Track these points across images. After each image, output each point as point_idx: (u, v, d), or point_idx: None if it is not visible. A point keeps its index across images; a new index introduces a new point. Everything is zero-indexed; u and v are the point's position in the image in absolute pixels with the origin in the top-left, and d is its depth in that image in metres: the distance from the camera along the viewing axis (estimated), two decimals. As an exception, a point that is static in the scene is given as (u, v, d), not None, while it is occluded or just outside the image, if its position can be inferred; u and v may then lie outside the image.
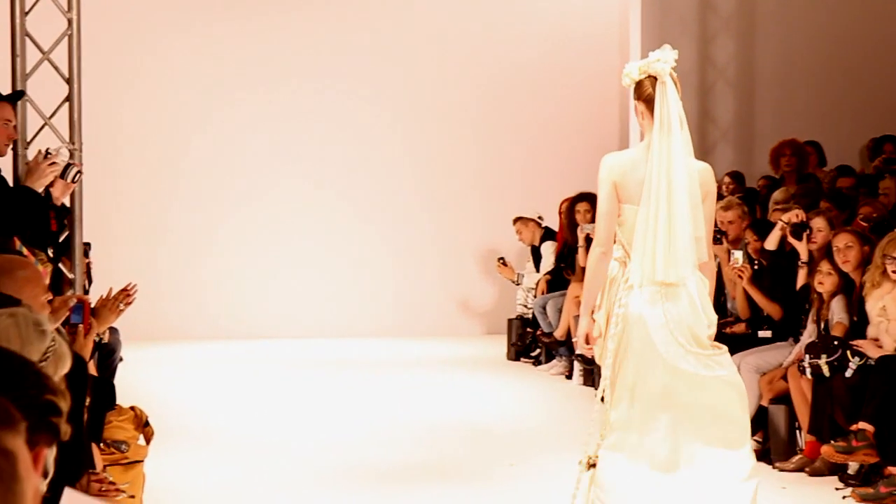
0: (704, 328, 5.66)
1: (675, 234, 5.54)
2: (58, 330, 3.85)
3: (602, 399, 5.76)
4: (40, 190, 6.05)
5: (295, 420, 9.83)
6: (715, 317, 5.77)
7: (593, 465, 5.67)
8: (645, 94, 5.69)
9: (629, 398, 5.63)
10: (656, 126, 5.60)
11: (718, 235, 9.34)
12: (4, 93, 6.16)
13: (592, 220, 11.70)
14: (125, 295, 6.04)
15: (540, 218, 13.39)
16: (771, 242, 8.91)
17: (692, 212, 5.57)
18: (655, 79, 5.67)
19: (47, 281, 5.06)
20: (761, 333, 8.81)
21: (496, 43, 15.09)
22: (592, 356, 5.89)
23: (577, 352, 6.01)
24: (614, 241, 5.74)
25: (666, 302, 5.57)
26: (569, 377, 11.92)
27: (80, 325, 4.99)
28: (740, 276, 8.85)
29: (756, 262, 9.06)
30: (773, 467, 8.08)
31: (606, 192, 5.69)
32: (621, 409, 5.64)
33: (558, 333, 12.08)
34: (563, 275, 12.50)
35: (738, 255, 8.88)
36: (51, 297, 4.14)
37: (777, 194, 10.41)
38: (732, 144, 13.77)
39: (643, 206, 5.58)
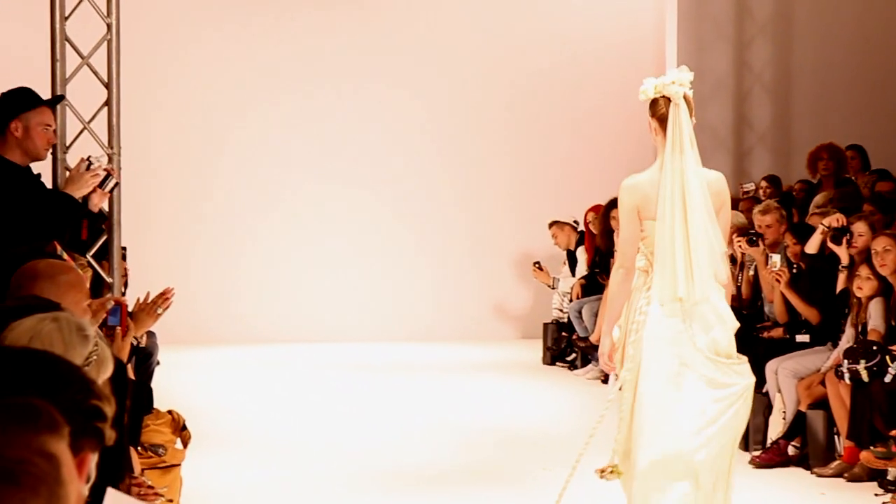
0: (727, 338, 5.74)
1: (696, 252, 5.62)
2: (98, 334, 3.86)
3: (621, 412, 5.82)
4: (79, 198, 6.08)
5: (330, 423, 9.84)
6: (737, 324, 5.83)
7: (617, 474, 5.77)
8: (659, 113, 5.84)
9: (643, 405, 5.70)
10: (668, 146, 5.75)
11: (755, 237, 9.29)
12: (44, 97, 6.19)
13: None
14: (163, 299, 6.05)
15: (575, 222, 13.38)
16: (811, 246, 8.85)
17: (710, 228, 5.65)
18: (670, 100, 5.82)
19: (87, 285, 5.08)
20: (799, 338, 8.76)
21: (531, 47, 15.07)
22: (615, 372, 5.94)
23: (599, 366, 6.03)
24: (638, 252, 5.82)
25: (686, 316, 5.64)
26: (604, 381, 11.87)
27: (118, 328, 5.00)
28: (778, 280, 8.80)
29: (795, 265, 9.01)
30: (812, 473, 8.03)
31: (628, 217, 5.78)
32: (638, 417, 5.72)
33: (594, 338, 11.89)
34: (598, 279, 12.48)
35: (775, 258, 8.84)
36: (88, 301, 4.15)
37: (818, 198, 10.35)
38: (769, 149, 13.71)
39: (659, 224, 5.67)
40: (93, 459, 2.09)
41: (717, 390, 5.69)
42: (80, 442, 2.02)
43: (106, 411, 2.11)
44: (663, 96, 5.85)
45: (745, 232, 9.53)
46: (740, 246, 9.50)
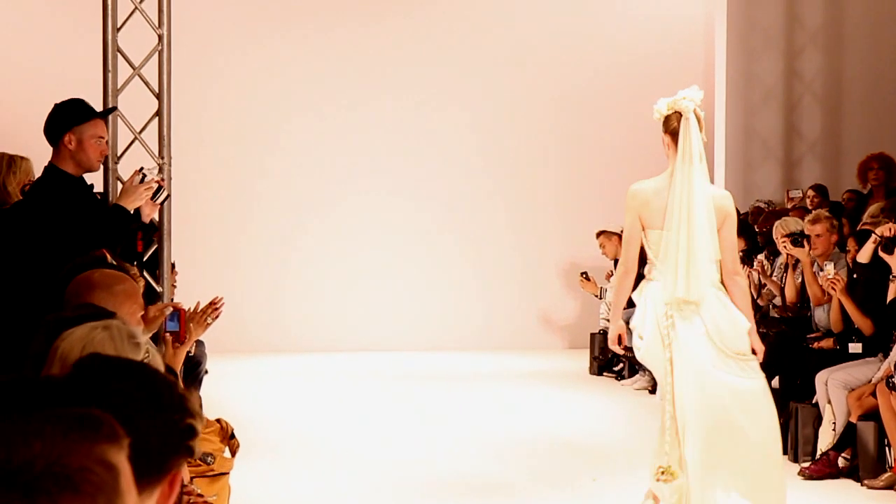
0: (737, 338, 6.17)
1: (695, 256, 6.13)
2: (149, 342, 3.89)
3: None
4: (131, 210, 6.13)
5: (377, 433, 9.85)
6: (748, 324, 6.23)
7: (673, 477, 6.12)
8: (671, 128, 6.30)
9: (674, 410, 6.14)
10: (679, 157, 6.23)
11: (800, 238, 9.24)
12: (96, 107, 6.24)
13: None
14: (213, 308, 6.08)
15: (622, 230, 13.35)
16: (864, 255, 8.78)
17: (710, 238, 6.15)
18: (681, 115, 6.25)
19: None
20: (852, 347, 8.69)
21: (578, 55, 15.06)
22: (624, 355, 6.73)
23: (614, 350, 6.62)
24: (647, 263, 6.38)
25: (702, 314, 6.14)
26: (652, 392, 11.83)
27: (169, 338, 5.03)
28: (834, 288, 8.73)
29: (855, 274, 8.93)
30: (862, 485, 7.96)
31: (631, 219, 6.37)
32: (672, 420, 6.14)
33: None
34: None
35: (829, 266, 8.78)
36: (142, 311, 4.18)
37: (872, 208, 10.28)
38: (819, 158, 13.63)
39: (666, 230, 6.19)
40: (182, 477, 2.13)
41: (739, 380, 6.13)
42: (174, 460, 2.06)
43: (198, 429, 2.15)
44: (675, 112, 6.30)
45: (791, 233, 9.49)
46: (785, 247, 9.45)
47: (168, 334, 5.00)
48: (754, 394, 6.17)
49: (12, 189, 6.67)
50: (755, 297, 10.46)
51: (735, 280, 6.33)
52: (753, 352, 6.27)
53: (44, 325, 3.13)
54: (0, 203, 6.56)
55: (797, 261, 9.69)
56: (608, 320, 13.38)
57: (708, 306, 6.14)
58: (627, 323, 6.61)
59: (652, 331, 6.25)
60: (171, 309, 5.06)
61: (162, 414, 2.09)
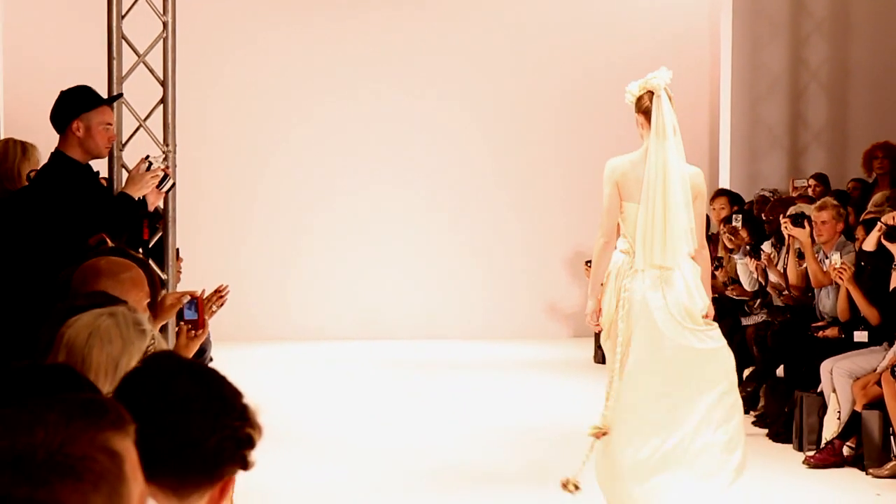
0: (698, 307, 6.45)
1: (671, 225, 6.40)
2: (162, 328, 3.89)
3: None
4: (137, 198, 6.13)
5: (383, 421, 9.86)
6: (708, 298, 6.53)
7: (604, 434, 6.54)
8: (643, 106, 6.63)
9: (635, 371, 6.43)
10: (652, 133, 6.53)
11: (800, 219, 9.22)
12: (101, 94, 6.24)
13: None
14: (218, 296, 6.07)
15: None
16: (869, 244, 8.76)
17: (685, 208, 6.43)
18: (653, 93, 6.58)
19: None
20: (857, 336, 8.67)
21: (584, 45, 15.03)
22: (598, 331, 6.72)
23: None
24: (619, 235, 6.62)
25: (665, 286, 6.41)
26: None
27: (185, 326, 5.00)
28: (841, 277, 8.72)
29: (862, 262, 8.91)
30: (867, 474, 7.96)
31: (609, 191, 6.59)
32: (628, 382, 6.46)
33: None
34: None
35: (835, 256, 8.77)
36: (149, 299, 4.17)
37: (876, 197, 10.26)
38: (825, 147, 13.60)
39: (643, 202, 6.44)
40: (233, 486, 2.14)
41: (694, 348, 6.41)
42: (228, 467, 2.07)
43: (256, 440, 2.16)
44: (647, 91, 6.63)
45: (792, 214, 9.46)
46: (786, 227, 9.43)
47: (184, 323, 4.98)
48: (714, 351, 6.44)
49: (24, 175, 6.69)
50: (763, 285, 10.45)
51: (701, 253, 6.62)
52: (715, 320, 6.59)
53: (54, 312, 3.14)
54: (11, 188, 6.57)
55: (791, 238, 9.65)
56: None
57: (672, 279, 6.42)
58: None
59: (609, 298, 6.54)
60: (189, 297, 5.04)
61: (224, 418, 2.12)
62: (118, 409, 1.65)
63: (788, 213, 9.63)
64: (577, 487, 6.60)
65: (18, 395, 1.99)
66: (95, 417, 1.61)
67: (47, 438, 1.56)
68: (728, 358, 6.50)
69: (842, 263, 8.68)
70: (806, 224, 9.20)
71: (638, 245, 6.46)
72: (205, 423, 2.09)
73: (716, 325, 6.57)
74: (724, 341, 6.55)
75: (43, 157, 6.33)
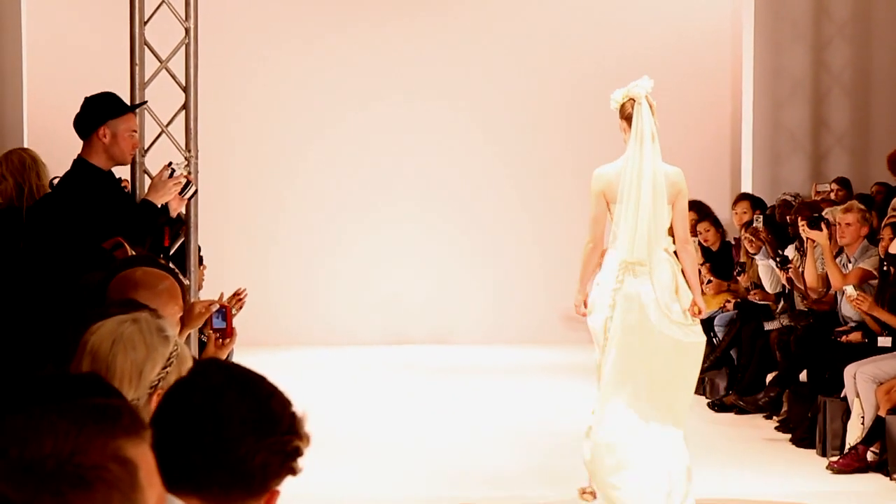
0: (678, 301, 6.88)
1: (639, 222, 6.83)
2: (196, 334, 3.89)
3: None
4: (160, 205, 6.15)
5: (402, 425, 9.86)
6: (689, 294, 6.94)
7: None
8: (626, 113, 7.04)
9: (621, 358, 6.90)
10: (632, 137, 6.95)
11: (817, 220, 9.16)
12: (123, 100, 6.26)
13: (693, 229, 11.63)
14: (237, 299, 6.08)
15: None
16: (895, 247, 8.71)
17: (657, 207, 6.84)
18: (634, 101, 7.00)
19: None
20: (881, 341, 8.63)
21: (603, 48, 15.01)
22: (583, 317, 7.15)
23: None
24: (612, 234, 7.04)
25: (650, 277, 6.83)
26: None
27: (213, 335, 4.98)
28: (860, 308, 8.74)
29: (885, 266, 8.87)
30: (892, 479, 7.92)
31: (596, 199, 7.04)
32: (613, 367, 6.93)
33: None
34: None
35: (849, 289, 8.74)
36: (182, 311, 4.16)
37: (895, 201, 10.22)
38: (848, 151, 13.55)
39: (622, 201, 6.90)
40: (279, 494, 2.14)
41: (673, 339, 6.82)
42: (274, 481, 2.07)
43: (303, 450, 2.15)
44: (629, 99, 7.05)
45: (809, 216, 9.41)
46: (803, 229, 9.40)
47: (213, 331, 4.97)
48: (687, 352, 6.87)
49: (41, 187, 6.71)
50: (785, 290, 10.41)
51: (686, 248, 7.06)
52: (700, 312, 7.02)
53: (81, 318, 3.14)
54: (27, 200, 6.59)
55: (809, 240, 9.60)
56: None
57: (658, 275, 6.85)
58: None
59: (601, 296, 6.95)
60: (218, 305, 5.03)
61: (271, 435, 2.12)
62: (132, 414, 1.63)
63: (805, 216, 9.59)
64: (593, 496, 7.06)
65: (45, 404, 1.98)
66: (108, 424, 1.58)
67: (57, 447, 1.53)
68: (699, 357, 6.99)
69: (858, 294, 8.65)
70: (823, 227, 9.15)
71: (620, 242, 6.92)
72: (252, 440, 2.09)
73: (697, 321, 7.01)
74: (704, 338, 7.03)
75: (64, 163, 6.35)
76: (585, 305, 7.11)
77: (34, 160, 6.78)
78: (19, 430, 1.55)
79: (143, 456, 1.60)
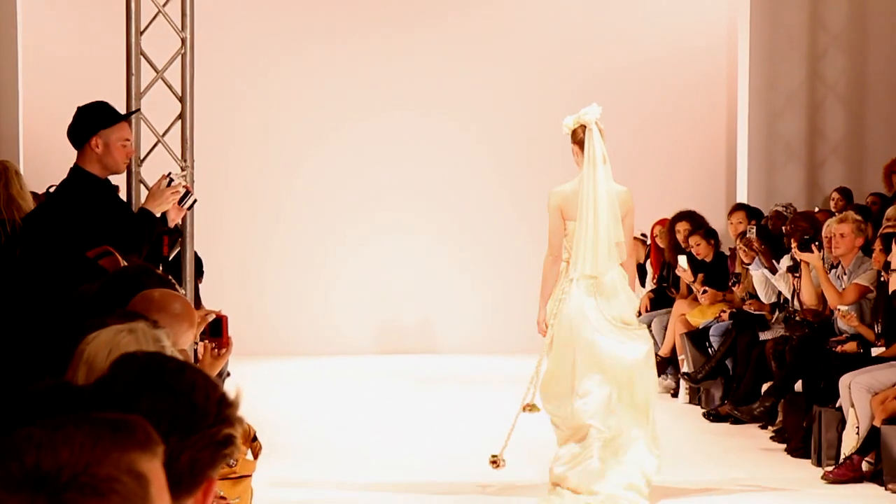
0: (627, 309, 7.58)
1: (599, 239, 7.46)
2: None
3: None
4: (158, 214, 6.14)
5: (400, 435, 9.86)
6: (636, 300, 7.90)
7: (531, 407, 7.80)
8: (577, 138, 7.63)
9: (570, 365, 7.53)
10: (586, 161, 7.57)
11: (808, 242, 9.17)
12: (119, 109, 6.26)
13: (685, 241, 11.65)
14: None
15: (643, 235, 13.30)
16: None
17: (612, 223, 7.50)
18: (585, 127, 7.56)
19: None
20: (875, 351, 8.65)
21: (600, 59, 15.03)
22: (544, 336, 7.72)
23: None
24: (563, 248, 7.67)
25: (597, 293, 7.47)
26: (674, 395, 11.82)
27: (208, 345, 4.98)
28: (852, 324, 8.84)
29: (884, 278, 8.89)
30: (886, 489, 7.92)
31: (553, 216, 7.67)
32: (560, 372, 7.61)
33: (663, 351, 11.98)
34: (667, 293, 12.42)
35: (843, 308, 8.83)
36: (193, 329, 4.15)
37: (889, 211, 10.24)
38: (843, 160, 13.58)
39: (578, 220, 7.50)
40: (216, 482, 2.09)
41: (624, 346, 7.47)
42: (208, 471, 2.03)
43: (236, 438, 2.11)
44: (580, 125, 7.61)
45: (802, 238, 9.42)
46: (794, 252, 9.41)
47: (208, 341, 4.97)
48: (636, 363, 7.46)
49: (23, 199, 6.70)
50: (780, 300, 10.41)
51: (629, 261, 7.83)
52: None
53: (80, 328, 3.14)
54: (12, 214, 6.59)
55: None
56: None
57: (604, 287, 7.49)
58: None
59: (553, 304, 7.60)
60: (214, 315, 5.03)
61: (195, 431, 2.04)
62: (146, 430, 1.64)
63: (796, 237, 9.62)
64: (501, 463, 7.77)
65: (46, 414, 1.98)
66: (123, 438, 1.61)
67: (72, 459, 1.55)
68: (651, 362, 7.59)
69: (846, 312, 8.76)
70: (814, 248, 9.16)
71: (574, 258, 7.52)
72: (175, 440, 1.99)
73: (644, 327, 7.80)
74: (651, 343, 7.67)
75: (60, 172, 6.35)
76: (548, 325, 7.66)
77: (5, 168, 6.78)
78: (35, 439, 1.57)
79: (155, 471, 1.62)
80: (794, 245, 9.43)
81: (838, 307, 8.89)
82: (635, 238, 13.27)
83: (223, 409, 2.11)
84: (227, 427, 2.09)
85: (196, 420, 2.07)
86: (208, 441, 2.06)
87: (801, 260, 9.49)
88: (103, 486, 1.55)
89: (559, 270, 7.66)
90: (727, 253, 11.80)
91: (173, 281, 4.73)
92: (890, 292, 8.47)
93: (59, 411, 1.92)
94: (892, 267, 8.45)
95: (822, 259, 9.27)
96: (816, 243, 9.21)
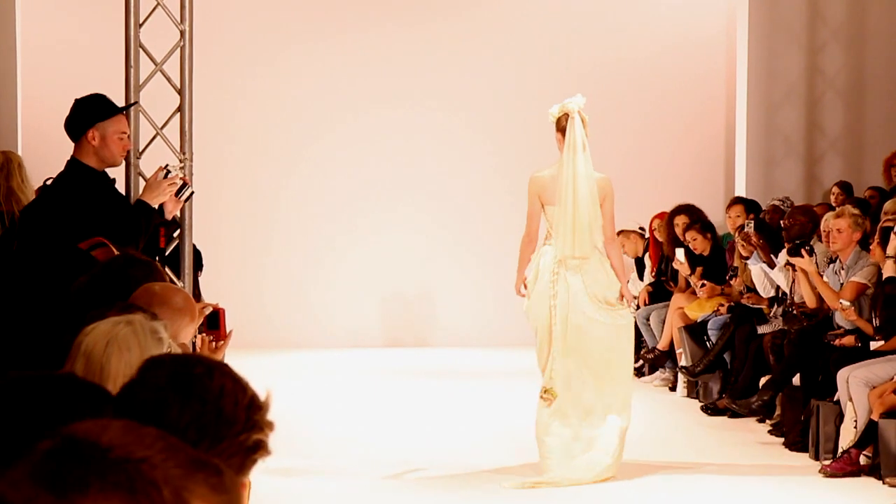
0: (609, 290, 7.94)
1: (580, 223, 7.84)
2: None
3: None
4: (155, 206, 6.14)
5: (401, 429, 9.86)
6: (617, 283, 8.02)
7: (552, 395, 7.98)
8: (560, 126, 8.00)
9: (557, 342, 7.91)
10: (566, 147, 7.94)
11: (798, 247, 9.15)
12: (117, 102, 6.26)
13: (683, 234, 11.64)
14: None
15: (641, 229, 13.30)
16: (893, 250, 8.70)
17: (591, 208, 7.87)
18: (568, 115, 7.93)
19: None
20: (874, 345, 8.65)
21: (599, 54, 15.03)
22: (522, 297, 8.16)
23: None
24: (546, 232, 8.07)
25: (581, 272, 7.86)
26: (672, 389, 11.83)
27: (206, 338, 4.98)
28: (851, 318, 8.83)
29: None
30: (884, 483, 7.92)
31: (532, 200, 8.07)
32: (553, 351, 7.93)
33: (661, 345, 12.00)
34: (666, 286, 12.42)
35: (845, 303, 8.83)
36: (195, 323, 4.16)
37: (887, 205, 10.23)
38: (841, 155, 13.58)
39: (558, 204, 7.87)
40: (247, 486, 2.05)
41: (605, 323, 7.89)
42: (241, 476, 1.99)
43: (266, 441, 2.05)
44: (564, 113, 7.98)
45: (793, 242, 9.42)
46: (787, 259, 9.43)
47: (206, 334, 4.97)
48: (618, 333, 7.95)
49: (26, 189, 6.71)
50: (790, 295, 10.40)
51: (612, 244, 8.20)
52: (629, 302, 8.12)
53: (81, 320, 3.14)
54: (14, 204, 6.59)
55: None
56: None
57: (588, 266, 7.88)
58: None
59: (541, 285, 7.93)
60: (211, 308, 5.03)
61: (224, 438, 1.99)
62: (226, 479, 1.48)
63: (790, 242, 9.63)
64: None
65: (26, 405, 1.96)
66: (196, 469, 1.45)
67: (134, 446, 1.42)
68: (630, 335, 8.11)
69: (848, 307, 8.75)
70: (805, 253, 9.16)
71: (555, 240, 7.92)
72: (203, 449, 1.89)
73: (626, 307, 8.08)
74: (630, 319, 8.17)
75: (58, 165, 6.35)
76: (526, 287, 8.10)
77: (8, 160, 6.78)
78: (124, 432, 1.44)
79: None
80: (786, 249, 9.43)
81: (840, 301, 8.88)
82: (634, 232, 13.32)
83: (252, 415, 2.06)
84: (257, 432, 2.04)
85: (225, 427, 2.02)
86: (238, 448, 2.01)
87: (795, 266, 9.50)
88: (139, 485, 1.40)
89: (533, 249, 8.12)
90: (725, 246, 11.79)
91: (171, 275, 4.73)
92: (884, 278, 8.47)
93: (83, 415, 1.85)
94: (888, 254, 8.46)
95: (815, 262, 9.26)
96: (807, 248, 9.19)
